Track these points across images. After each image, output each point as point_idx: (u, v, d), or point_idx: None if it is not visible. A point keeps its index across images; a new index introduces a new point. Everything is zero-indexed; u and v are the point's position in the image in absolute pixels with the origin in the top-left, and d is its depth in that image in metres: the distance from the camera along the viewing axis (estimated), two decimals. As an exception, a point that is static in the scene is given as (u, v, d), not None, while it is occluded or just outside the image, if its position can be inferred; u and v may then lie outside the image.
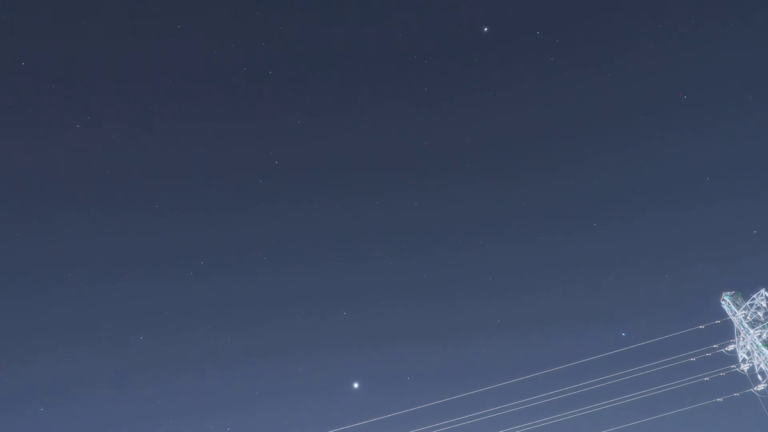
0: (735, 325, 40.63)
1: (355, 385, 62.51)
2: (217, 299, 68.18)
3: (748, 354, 40.66)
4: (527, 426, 42.26)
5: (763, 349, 38.88)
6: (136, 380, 66.43)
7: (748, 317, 39.84)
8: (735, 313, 40.26)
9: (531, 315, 67.88)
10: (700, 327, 41.28)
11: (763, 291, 39.25)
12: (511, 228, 69.07)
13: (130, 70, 63.93)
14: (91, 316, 65.67)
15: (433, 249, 69.79)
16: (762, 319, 39.64)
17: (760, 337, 39.16)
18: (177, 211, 66.36)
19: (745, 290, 40.63)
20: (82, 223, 64.42)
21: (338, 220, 69.51)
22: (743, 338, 40.25)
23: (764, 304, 39.30)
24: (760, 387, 40.49)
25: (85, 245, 64.61)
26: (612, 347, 42.68)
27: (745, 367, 40.83)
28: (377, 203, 69.46)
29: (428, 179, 70.05)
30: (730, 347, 41.14)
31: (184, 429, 64.97)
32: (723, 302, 41.04)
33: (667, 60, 64.78)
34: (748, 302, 39.90)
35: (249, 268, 68.53)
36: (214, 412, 66.82)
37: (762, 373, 40.37)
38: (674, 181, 65.50)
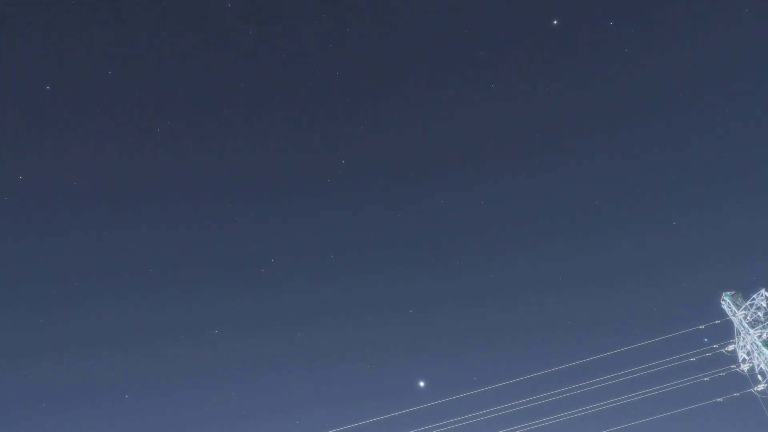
0: (735, 325, 40.65)
1: (421, 384, 62.39)
2: (287, 300, 68.91)
3: (748, 354, 40.68)
4: (528, 425, 42.28)
5: (763, 349, 38.90)
6: (212, 377, 67.80)
7: (748, 317, 39.86)
8: (735, 313, 40.28)
9: (609, 315, 66.04)
10: (700, 327, 41.30)
11: (763, 291, 39.27)
12: (582, 226, 67.21)
13: (198, 74, 64.09)
14: (168, 317, 66.80)
15: (500, 249, 68.45)
16: (762, 319, 39.66)
17: (760, 337, 39.17)
18: (248, 213, 67.02)
19: (745, 290, 40.70)
20: (166, 228, 65.46)
21: (404, 221, 68.89)
22: (743, 338, 40.27)
23: (764, 304, 39.32)
24: (760, 387, 40.51)
25: (161, 248, 65.53)
26: (612, 347, 42.73)
27: (745, 367, 40.85)
28: (443, 203, 68.31)
29: (494, 177, 68.09)
30: (730, 347, 41.16)
31: (256, 423, 66.47)
32: (723, 302, 41.06)
33: (755, 48, 60.27)
34: (748, 302, 39.92)
35: (317, 269, 68.77)
36: (284, 407, 67.90)
37: (762, 373, 40.40)
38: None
